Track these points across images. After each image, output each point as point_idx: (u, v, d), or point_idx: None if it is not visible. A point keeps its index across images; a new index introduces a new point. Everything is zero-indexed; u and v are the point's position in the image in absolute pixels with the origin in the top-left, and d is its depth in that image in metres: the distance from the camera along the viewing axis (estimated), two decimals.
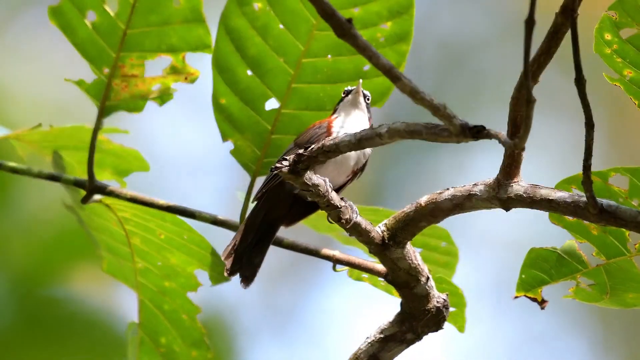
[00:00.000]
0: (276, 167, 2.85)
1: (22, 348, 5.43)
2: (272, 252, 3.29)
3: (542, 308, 3.18)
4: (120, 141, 3.60)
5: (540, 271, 3.14)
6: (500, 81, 6.88)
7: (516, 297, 3.19)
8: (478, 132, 2.46)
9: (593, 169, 2.79)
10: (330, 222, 3.01)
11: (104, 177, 3.55)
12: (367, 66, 3.25)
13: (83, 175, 3.43)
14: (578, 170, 2.83)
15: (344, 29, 2.37)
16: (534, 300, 3.17)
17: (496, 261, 6.79)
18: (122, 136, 3.61)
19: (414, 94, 2.46)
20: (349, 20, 2.36)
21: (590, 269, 3.13)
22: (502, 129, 2.86)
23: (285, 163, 2.85)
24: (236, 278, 3.28)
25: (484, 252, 6.77)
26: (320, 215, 3.52)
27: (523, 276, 3.16)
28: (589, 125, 2.63)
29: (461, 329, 3.41)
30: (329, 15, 2.36)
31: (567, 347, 6.73)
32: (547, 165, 6.71)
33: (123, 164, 3.65)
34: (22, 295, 5.50)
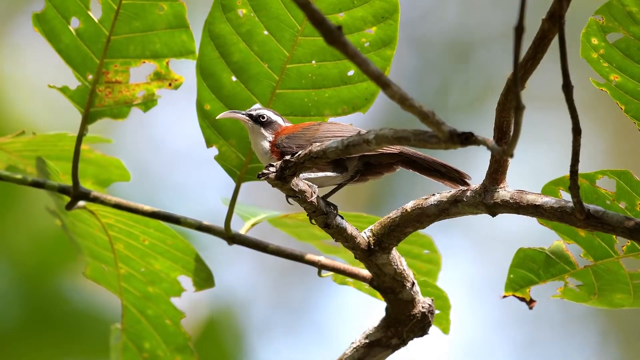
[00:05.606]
0: (263, 174, 2.84)
1: (27, 342, 5.44)
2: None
3: (531, 308, 3.19)
4: (103, 150, 3.59)
5: (528, 271, 3.16)
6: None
7: (504, 296, 3.20)
8: (466, 139, 2.45)
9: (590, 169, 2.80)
10: (313, 224, 3.00)
11: (85, 186, 3.52)
12: (352, 71, 3.25)
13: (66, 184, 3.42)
14: (565, 172, 2.83)
15: (333, 36, 2.36)
16: (522, 299, 3.19)
17: (483, 260, 6.82)
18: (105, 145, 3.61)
19: (403, 101, 2.46)
20: (339, 28, 2.36)
21: (578, 270, 3.14)
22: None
23: (272, 169, 2.84)
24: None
25: (470, 251, 6.79)
26: (302, 224, 3.52)
27: (511, 276, 3.18)
28: (576, 131, 2.63)
29: (446, 330, 3.42)
30: (318, 22, 2.35)
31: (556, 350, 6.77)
32: (532, 169, 6.73)
33: (104, 174, 3.64)
34: (27, 291, 5.51)
